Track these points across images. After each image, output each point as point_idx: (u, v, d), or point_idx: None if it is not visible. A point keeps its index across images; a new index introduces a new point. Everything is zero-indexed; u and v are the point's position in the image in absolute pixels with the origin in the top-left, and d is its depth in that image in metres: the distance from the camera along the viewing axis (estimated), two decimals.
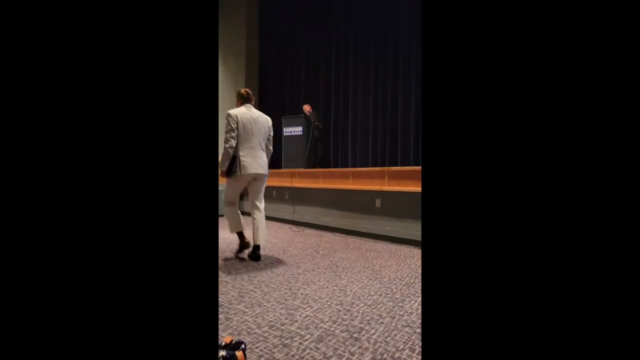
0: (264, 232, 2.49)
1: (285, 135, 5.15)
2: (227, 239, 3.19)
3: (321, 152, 5.60)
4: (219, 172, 2.37)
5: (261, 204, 2.54)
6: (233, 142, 2.32)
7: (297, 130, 5.01)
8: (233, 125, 2.32)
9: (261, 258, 2.48)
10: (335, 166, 5.54)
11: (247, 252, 2.56)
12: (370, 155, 4.99)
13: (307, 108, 5.16)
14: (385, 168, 3.41)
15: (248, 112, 2.41)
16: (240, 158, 2.33)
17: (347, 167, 5.15)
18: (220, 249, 2.87)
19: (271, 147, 2.58)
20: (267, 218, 4.71)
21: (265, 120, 2.51)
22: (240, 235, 2.56)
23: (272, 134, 2.56)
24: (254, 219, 2.50)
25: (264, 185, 2.61)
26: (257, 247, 2.46)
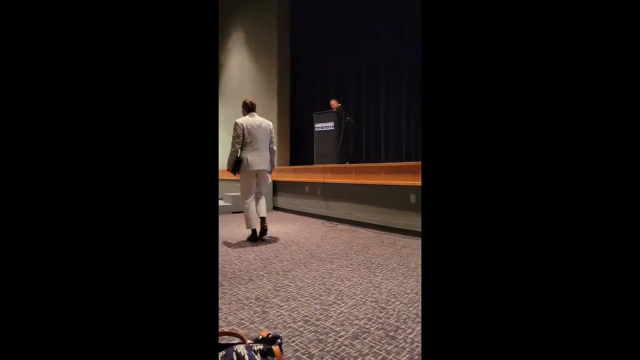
0: (265, 207, 3.11)
1: (317, 131, 5.15)
2: (276, 232, 3.25)
3: (353, 147, 5.55)
4: (227, 168, 2.92)
5: (262, 193, 3.11)
6: (238, 147, 2.85)
7: (329, 125, 4.99)
8: (239, 132, 2.84)
9: (267, 233, 3.08)
10: (368, 161, 5.46)
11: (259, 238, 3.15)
12: (404, 149, 4.87)
13: (334, 104, 5.11)
14: (420, 162, 3.31)
15: (252, 120, 2.91)
16: (248, 158, 2.86)
17: (380, 162, 5.07)
18: (261, 243, 2.94)
19: (274, 147, 3.09)
20: (300, 213, 4.80)
21: (267, 124, 3.01)
22: (254, 231, 3.05)
23: (274, 135, 3.08)
24: (257, 202, 3.07)
25: (267, 179, 3.10)
26: (263, 220, 3.02)
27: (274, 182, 5.60)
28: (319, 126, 5.13)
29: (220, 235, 3.31)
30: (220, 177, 7.55)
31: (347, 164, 4.37)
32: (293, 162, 7.06)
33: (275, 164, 3.18)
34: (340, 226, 3.90)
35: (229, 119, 8.81)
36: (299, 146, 6.92)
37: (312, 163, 5.31)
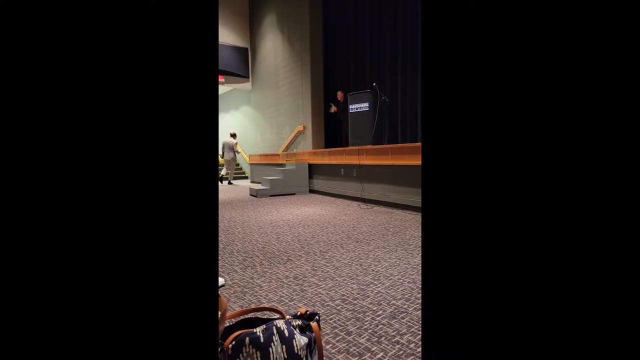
0: (224, 172, 8.05)
1: (352, 112, 5.07)
2: (301, 215, 3.31)
3: (389, 127, 5.42)
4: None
5: (230, 172, 7.92)
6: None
7: (364, 106, 4.89)
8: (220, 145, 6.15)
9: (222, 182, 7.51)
10: (404, 141, 5.31)
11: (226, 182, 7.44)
12: None
13: (340, 95, 5.31)
14: None
15: (226, 140, 7.99)
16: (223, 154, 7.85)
17: (416, 142, 4.91)
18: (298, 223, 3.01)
19: (235, 149, 7.85)
20: (336, 196, 4.84)
21: (230, 141, 7.86)
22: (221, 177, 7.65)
23: (234, 147, 7.87)
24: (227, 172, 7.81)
25: (229, 164, 7.93)
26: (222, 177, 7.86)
27: (310, 165, 5.65)
28: (353, 107, 5.05)
29: (259, 218, 3.43)
30: (260, 161, 7.74)
31: (384, 145, 4.28)
32: (328, 144, 7.04)
33: (233, 155, 7.80)
34: (377, 208, 3.86)
35: (266, 102, 8.94)
36: (333, 128, 6.87)
37: (347, 145, 5.27)
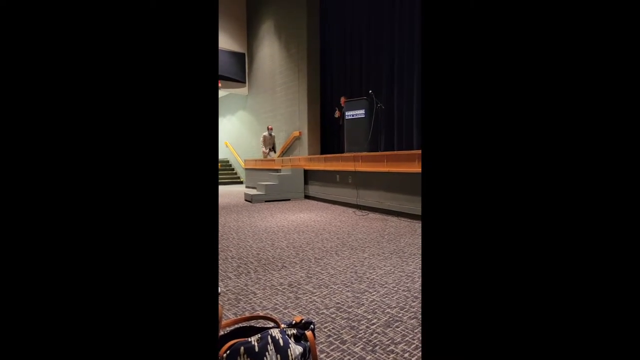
0: None
1: (348, 119, 5.10)
2: (305, 222, 3.30)
3: (385, 135, 5.47)
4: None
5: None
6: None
7: (360, 113, 4.92)
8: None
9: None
10: (400, 148, 5.34)
11: None
12: None
13: (343, 100, 5.42)
14: None
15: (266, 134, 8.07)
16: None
17: (412, 149, 4.94)
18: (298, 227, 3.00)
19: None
20: (331, 202, 4.84)
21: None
22: None
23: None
24: None
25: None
26: None
27: (305, 171, 5.65)
28: (349, 114, 5.08)
29: (253, 224, 3.42)
30: (255, 166, 7.72)
31: (379, 152, 4.30)
32: (324, 151, 7.06)
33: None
34: (372, 215, 3.87)
35: (262, 108, 8.94)
36: (329, 135, 6.90)
37: (342, 151, 5.29)
